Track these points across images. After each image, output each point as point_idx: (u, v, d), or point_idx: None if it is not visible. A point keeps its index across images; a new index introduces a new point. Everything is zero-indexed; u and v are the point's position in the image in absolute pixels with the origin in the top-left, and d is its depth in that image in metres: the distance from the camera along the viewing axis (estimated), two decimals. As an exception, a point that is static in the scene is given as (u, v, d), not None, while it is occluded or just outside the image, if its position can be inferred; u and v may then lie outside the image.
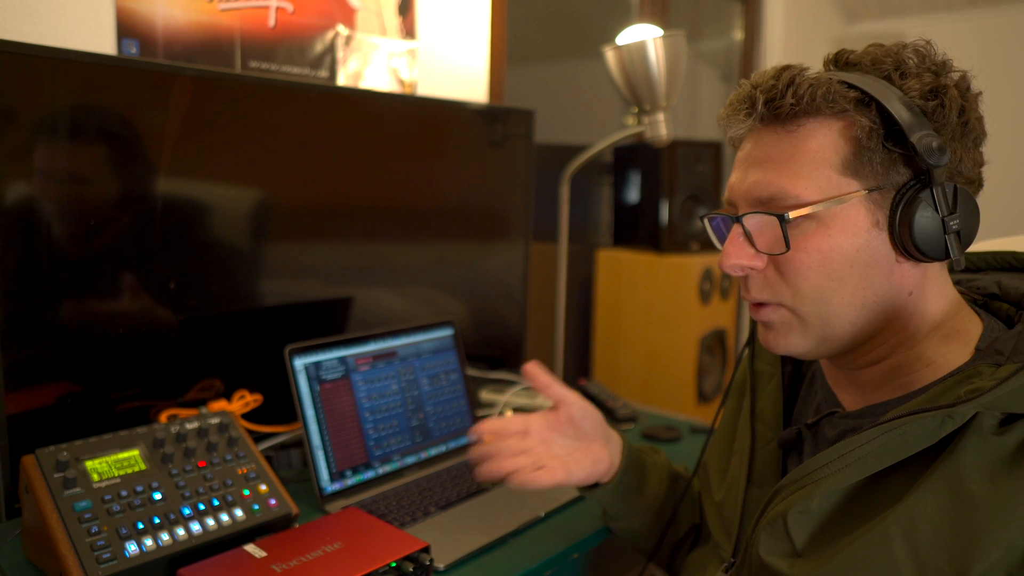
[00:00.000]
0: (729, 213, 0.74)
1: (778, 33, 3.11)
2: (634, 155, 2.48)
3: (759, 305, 0.73)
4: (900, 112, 0.65)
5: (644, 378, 2.40)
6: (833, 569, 0.62)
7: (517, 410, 1.47)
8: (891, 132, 0.66)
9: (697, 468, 0.96)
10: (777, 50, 3.11)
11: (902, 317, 0.70)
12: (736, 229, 0.71)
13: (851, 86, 0.67)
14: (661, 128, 1.55)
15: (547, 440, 0.91)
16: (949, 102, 0.66)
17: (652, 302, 2.37)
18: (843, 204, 0.67)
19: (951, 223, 0.66)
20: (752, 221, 0.71)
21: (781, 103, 0.67)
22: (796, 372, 0.86)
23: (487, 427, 0.89)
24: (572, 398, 0.92)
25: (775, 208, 0.68)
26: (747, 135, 0.73)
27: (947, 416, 0.60)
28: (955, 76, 0.68)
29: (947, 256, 0.67)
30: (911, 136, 0.64)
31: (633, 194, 2.51)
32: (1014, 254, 0.79)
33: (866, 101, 0.66)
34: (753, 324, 0.90)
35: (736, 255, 0.70)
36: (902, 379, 0.71)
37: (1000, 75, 3.11)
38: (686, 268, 2.32)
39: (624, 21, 2.71)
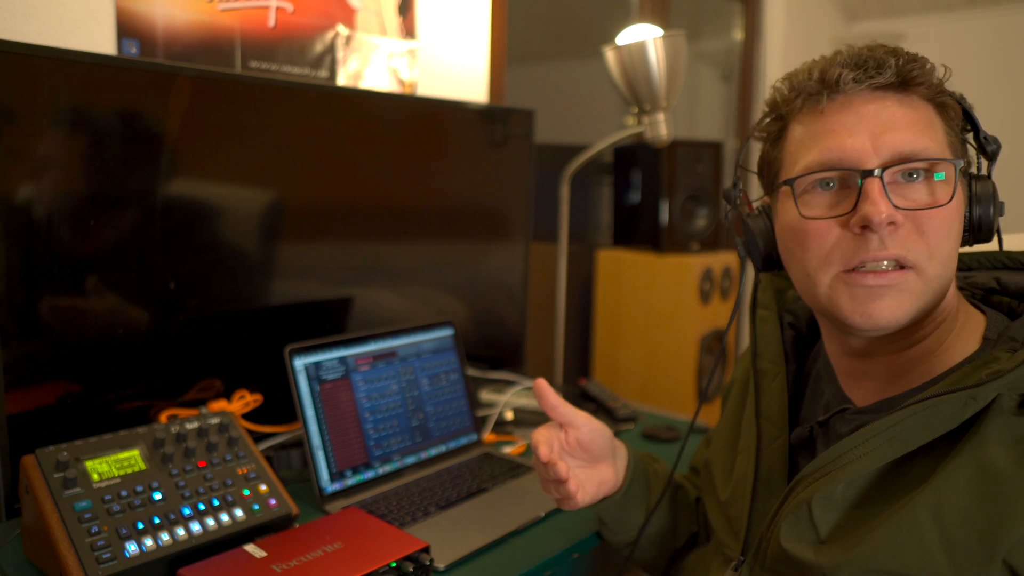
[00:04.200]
0: (838, 171, 0.71)
1: (778, 33, 3.11)
2: (634, 155, 2.48)
3: (881, 271, 0.68)
4: (967, 107, 0.72)
5: (644, 378, 2.40)
6: (860, 553, 0.62)
7: (517, 410, 1.47)
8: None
9: (675, 465, 0.95)
10: (777, 50, 3.11)
11: (948, 295, 0.72)
12: (876, 184, 0.68)
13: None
14: (661, 128, 1.54)
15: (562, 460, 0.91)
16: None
17: (652, 302, 2.37)
18: (960, 172, 0.71)
19: (1002, 207, 0.73)
20: (894, 176, 0.69)
21: (913, 67, 0.70)
22: (800, 371, 0.86)
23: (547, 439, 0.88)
24: (581, 419, 0.89)
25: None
26: (854, 96, 0.70)
27: (970, 398, 0.62)
28: None
29: (993, 237, 0.74)
30: (981, 127, 0.72)
31: (633, 194, 2.51)
32: (1007, 254, 0.80)
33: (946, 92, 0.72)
34: (753, 323, 0.90)
35: (887, 207, 0.67)
36: (920, 368, 0.72)
37: (1000, 75, 3.11)
38: (686, 268, 2.32)
39: (624, 21, 2.71)
